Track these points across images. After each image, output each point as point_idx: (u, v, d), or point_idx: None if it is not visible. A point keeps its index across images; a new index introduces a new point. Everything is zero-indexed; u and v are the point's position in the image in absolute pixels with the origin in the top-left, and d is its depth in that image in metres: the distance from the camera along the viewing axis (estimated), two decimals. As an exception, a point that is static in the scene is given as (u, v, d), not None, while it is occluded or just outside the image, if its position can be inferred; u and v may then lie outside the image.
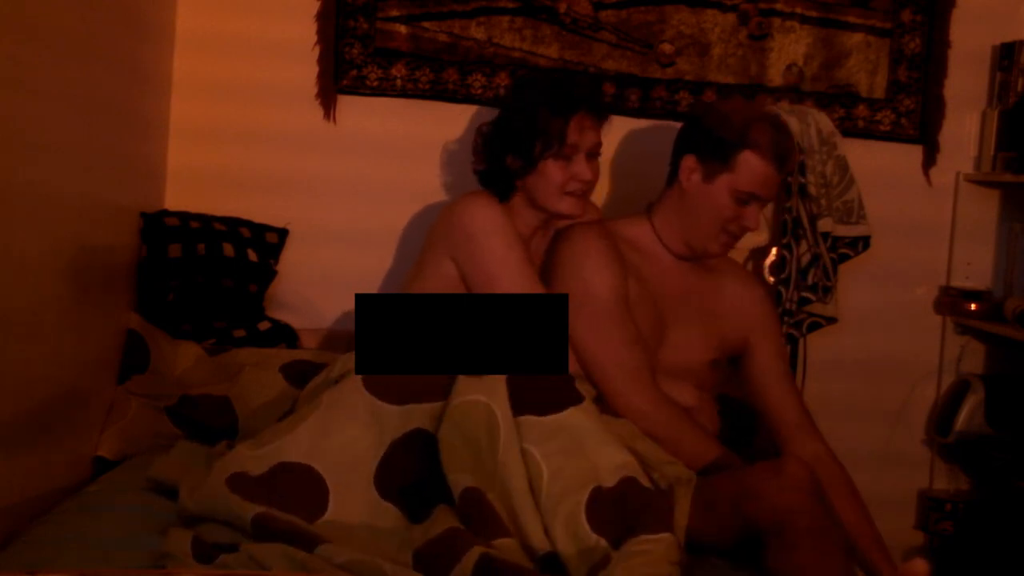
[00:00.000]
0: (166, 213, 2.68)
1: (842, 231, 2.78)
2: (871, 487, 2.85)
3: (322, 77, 2.83)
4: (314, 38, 2.82)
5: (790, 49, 2.92)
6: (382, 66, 2.84)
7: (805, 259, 2.73)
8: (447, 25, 2.84)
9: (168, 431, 2.34)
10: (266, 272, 2.75)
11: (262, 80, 2.82)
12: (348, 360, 2.05)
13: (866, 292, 2.98)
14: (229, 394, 2.37)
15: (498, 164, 2.30)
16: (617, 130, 2.72)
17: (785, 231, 2.73)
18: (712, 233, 2.22)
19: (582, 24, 2.86)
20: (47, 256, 2.03)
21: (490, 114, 2.84)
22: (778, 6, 2.91)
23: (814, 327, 2.78)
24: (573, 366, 2.15)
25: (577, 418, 1.87)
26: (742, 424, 2.42)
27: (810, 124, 2.74)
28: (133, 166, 2.61)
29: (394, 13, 2.82)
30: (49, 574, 1.54)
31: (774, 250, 2.79)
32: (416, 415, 1.88)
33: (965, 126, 3.00)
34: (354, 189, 2.87)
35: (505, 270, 2.21)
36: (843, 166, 2.79)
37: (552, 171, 2.25)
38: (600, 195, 2.73)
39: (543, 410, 1.86)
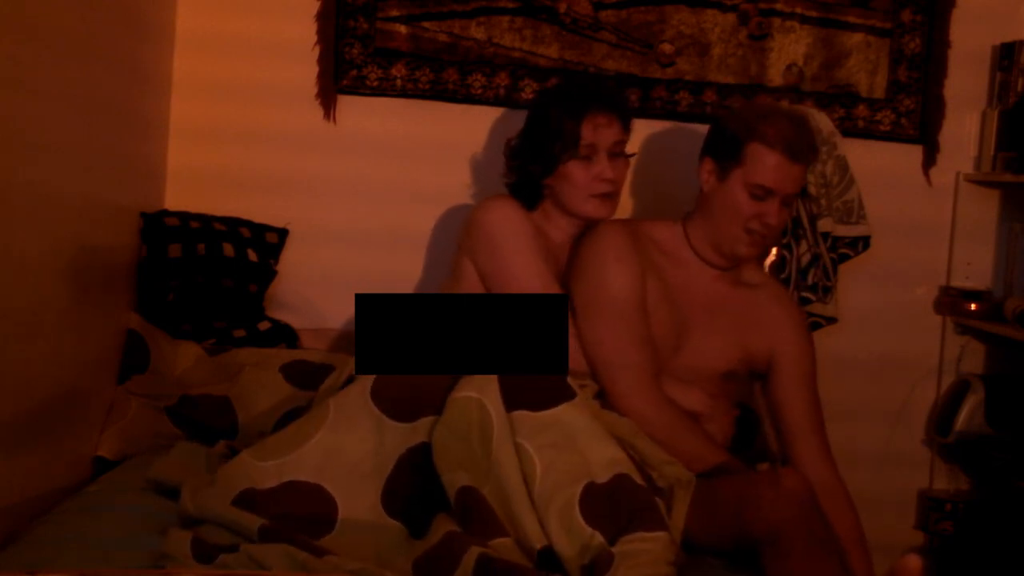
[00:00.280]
0: (166, 213, 2.68)
1: (842, 231, 2.78)
2: (871, 487, 2.86)
3: (322, 77, 2.83)
4: (314, 38, 2.82)
5: (790, 49, 2.92)
6: (382, 66, 2.84)
7: (805, 259, 2.73)
8: (447, 25, 2.84)
9: (168, 431, 2.34)
10: (266, 272, 2.75)
11: (262, 80, 2.82)
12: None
13: (866, 292, 2.98)
14: (229, 394, 2.38)
15: (524, 172, 2.31)
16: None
17: (785, 231, 2.73)
18: (735, 234, 2.18)
19: (582, 24, 2.86)
20: (47, 256, 2.03)
21: (490, 114, 2.87)
22: (778, 6, 2.91)
23: (814, 327, 2.77)
24: (581, 362, 2.15)
25: (570, 414, 1.87)
26: (745, 426, 2.41)
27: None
28: (133, 166, 2.61)
29: (394, 13, 2.82)
30: (49, 574, 1.54)
31: (774, 250, 2.78)
32: (420, 430, 1.87)
33: (965, 126, 3.00)
34: (354, 189, 2.87)
35: (520, 268, 2.22)
36: (843, 166, 2.79)
37: (574, 173, 2.26)
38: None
39: (536, 405, 1.86)
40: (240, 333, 2.67)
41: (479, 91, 2.86)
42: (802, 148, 2.15)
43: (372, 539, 1.81)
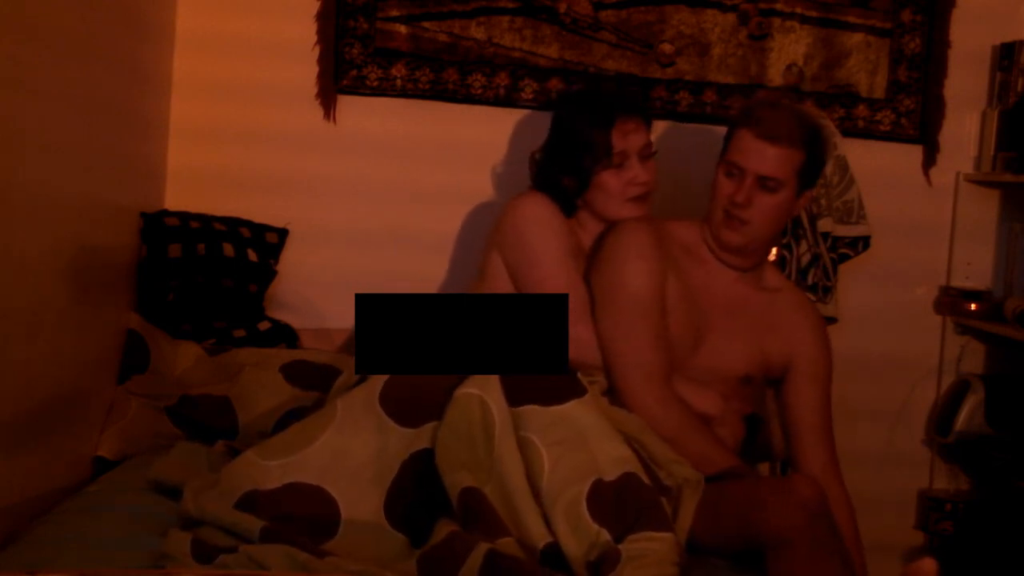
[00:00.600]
0: (166, 213, 2.68)
1: (842, 231, 2.78)
2: (871, 487, 2.86)
3: (322, 77, 2.83)
4: (314, 38, 2.82)
5: (790, 49, 2.92)
6: (382, 66, 2.84)
7: (805, 259, 2.73)
8: (447, 25, 2.84)
9: (168, 431, 2.34)
10: (266, 272, 2.75)
11: (262, 80, 2.82)
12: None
13: (866, 292, 2.98)
14: (229, 394, 2.37)
15: (556, 186, 2.31)
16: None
17: (785, 231, 2.73)
18: (718, 217, 2.17)
19: (582, 24, 2.86)
20: (47, 256, 2.03)
21: (490, 114, 2.87)
22: (778, 6, 2.91)
23: (814, 327, 2.78)
24: (596, 357, 2.15)
25: (579, 411, 1.87)
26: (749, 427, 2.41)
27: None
28: (133, 166, 2.61)
29: (394, 13, 2.82)
30: (49, 574, 1.54)
31: (774, 250, 2.78)
32: (424, 435, 1.87)
33: (965, 126, 3.00)
34: (354, 189, 2.87)
35: (546, 258, 2.23)
36: (843, 166, 2.79)
37: (608, 181, 2.26)
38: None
39: (546, 400, 1.86)
40: (240, 333, 2.67)
41: (479, 91, 2.86)
42: (779, 131, 2.11)
43: (374, 545, 1.80)
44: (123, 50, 2.46)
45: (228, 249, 2.66)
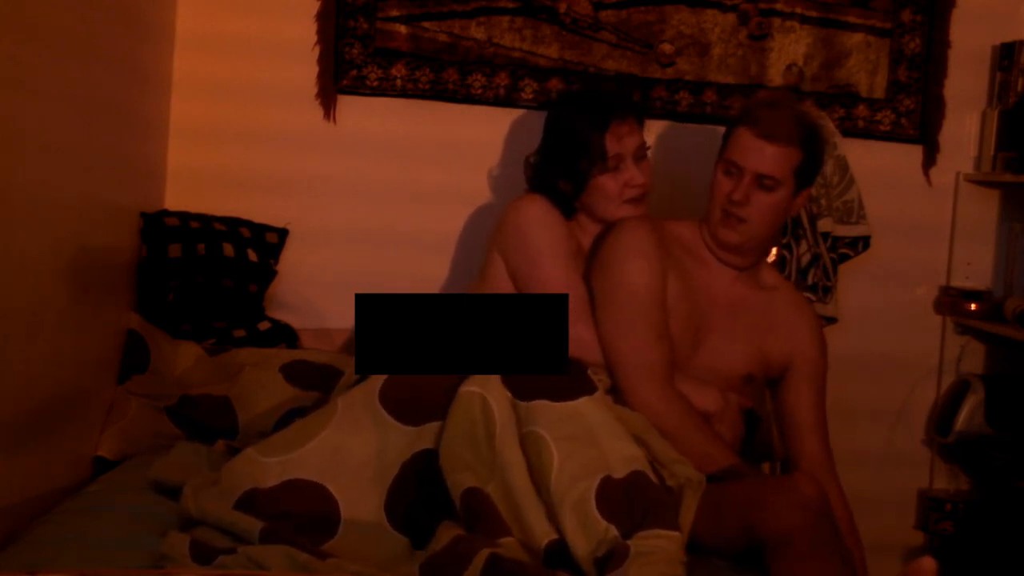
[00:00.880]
0: (166, 213, 2.68)
1: (842, 231, 2.78)
2: (871, 487, 2.86)
3: (322, 77, 2.83)
4: (314, 38, 2.82)
5: (790, 49, 2.92)
6: (382, 66, 2.84)
7: (805, 259, 2.73)
8: (447, 25, 2.84)
9: (168, 431, 2.34)
10: (266, 272, 2.75)
11: (262, 80, 2.82)
12: None
13: (866, 292, 2.98)
14: (229, 394, 2.38)
15: (552, 188, 2.31)
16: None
17: (785, 231, 2.73)
18: (716, 216, 2.18)
19: (582, 24, 2.86)
20: (47, 256, 2.03)
21: (490, 114, 2.87)
22: (778, 6, 2.91)
23: (814, 327, 2.78)
24: (598, 355, 2.16)
25: (589, 408, 1.87)
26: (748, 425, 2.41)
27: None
28: (133, 166, 2.61)
29: (394, 13, 2.82)
30: (49, 574, 1.54)
31: (774, 250, 2.78)
32: (426, 435, 1.87)
33: (965, 126, 3.00)
34: (354, 189, 2.87)
35: (546, 260, 2.24)
36: (843, 166, 2.79)
37: (605, 184, 2.26)
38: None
39: (556, 396, 1.86)
40: (240, 333, 2.67)
41: (479, 91, 2.86)
42: (778, 130, 2.13)
43: (375, 546, 1.80)
44: (123, 50, 2.46)
45: (228, 249, 2.66)
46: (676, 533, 1.75)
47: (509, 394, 1.85)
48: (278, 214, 2.82)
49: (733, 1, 2.89)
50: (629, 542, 1.71)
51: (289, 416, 2.24)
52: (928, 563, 1.62)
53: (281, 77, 2.82)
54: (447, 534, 1.75)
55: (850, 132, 2.92)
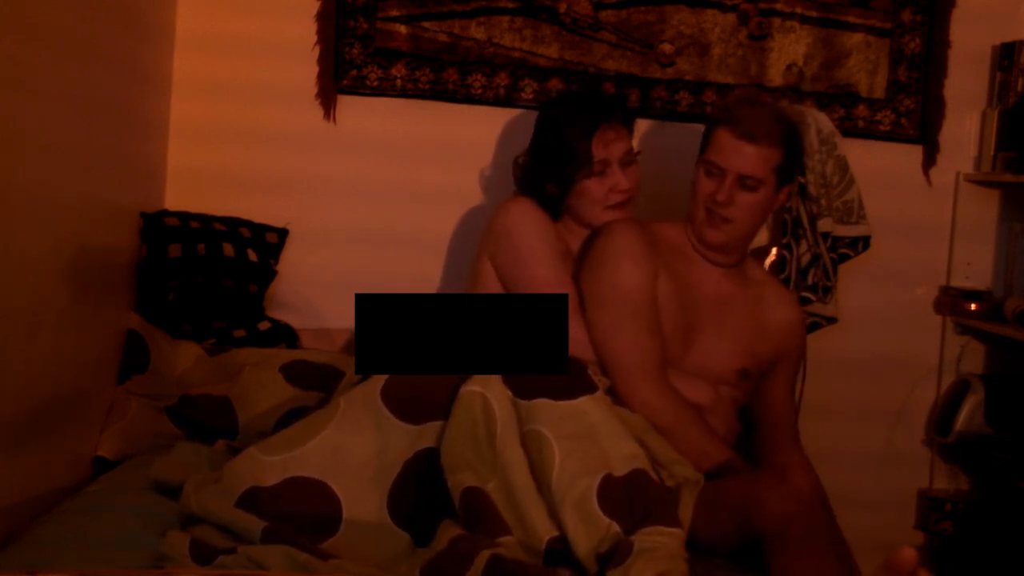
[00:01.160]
0: (166, 213, 2.68)
1: (842, 231, 2.78)
2: (871, 487, 2.86)
3: (322, 77, 2.83)
4: (314, 38, 2.82)
5: (790, 49, 2.92)
6: (382, 66, 2.84)
7: (805, 259, 2.73)
8: (447, 25, 2.84)
9: (168, 431, 2.34)
10: (266, 272, 2.75)
11: (262, 80, 2.82)
12: None
13: (866, 292, 2.98)
14: (229, 394, 2.38)
15: (539, 191, 2.32)
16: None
17: (785, 231, 2.73)
18: (700, 216, 2.21)
19: (582, 24, 2.86)
20: (47, 256, 2.03)
21: (490, 114, 2.87)
22: (778, 6, 2.91)
23: (814, 327, 2.78)
24: (589, 354, 2.16)
25: (590, 406, 1.88)
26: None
27: (810, 124, 2.74)
28: (133, 166, 2.61)
29: (394, 13, 2.82)
30: (49, 574, 1.54)
31: (774, 250, 2.78)
32: (427, 434, 1.87)
33: (965, 126, 3.00)
34: (354, 189, 2.87)
35: (534, 260, 2.24)
36: (843, 166, 2.79)
37: (590, 189, 2.27)
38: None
39: (557, 395, 1.87)
40: (240, 333, 2.67)
41: (479, 91, 2.86)
42: (757, 129, 2.14)
43: (376, 545, 1.80)
44: (123, 50, 2.46)
45: (228, 249, 2.66)
46: (678, 530, 1.76)
47: (510, 393, 1.86)
48: (278, 214, 2.82)
49: (733, 1, 2.89)
50: (632, 538, 1.71)
51: (289, 416, 2.24)
52: (908, 552, 1.62)
53: (281, 77, 2.82)
54: (447, 534, 1.75)
55: (850, 132, 2.92)
